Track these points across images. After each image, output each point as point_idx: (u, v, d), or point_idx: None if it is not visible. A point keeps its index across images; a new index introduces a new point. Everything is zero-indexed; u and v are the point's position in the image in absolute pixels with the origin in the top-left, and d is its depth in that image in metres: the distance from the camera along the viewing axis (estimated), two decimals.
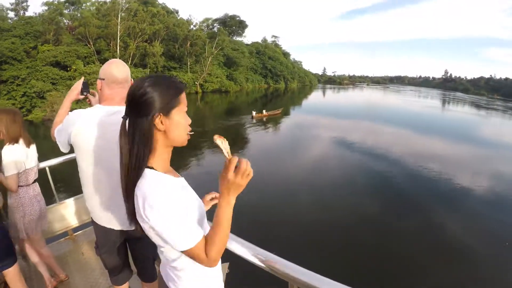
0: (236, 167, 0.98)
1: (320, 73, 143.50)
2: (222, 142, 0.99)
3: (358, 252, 8.18)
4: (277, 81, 76.64)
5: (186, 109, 1.08)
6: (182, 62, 51.14)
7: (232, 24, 76.10)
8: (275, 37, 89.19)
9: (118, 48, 41.42)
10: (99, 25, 40.11)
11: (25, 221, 2.52)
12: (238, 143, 20.96)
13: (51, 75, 33.89)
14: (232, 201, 1.01)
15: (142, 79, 1.02)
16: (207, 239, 1.00)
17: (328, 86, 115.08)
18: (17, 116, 2.44)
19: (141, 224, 1.03)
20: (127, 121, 1.02)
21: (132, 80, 1.69)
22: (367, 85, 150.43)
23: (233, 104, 46.28)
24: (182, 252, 1.00)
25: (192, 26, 54.72)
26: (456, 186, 13.60)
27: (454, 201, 12.10)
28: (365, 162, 16.34)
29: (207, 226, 1.16)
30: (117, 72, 1.72)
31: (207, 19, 58.68)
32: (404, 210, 10.94)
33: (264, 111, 30.58)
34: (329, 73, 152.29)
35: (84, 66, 37.58)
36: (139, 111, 0.99)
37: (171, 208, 0.94)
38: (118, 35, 40.70)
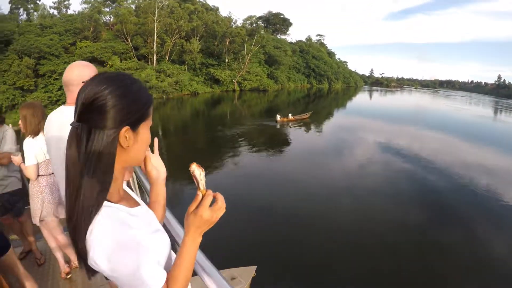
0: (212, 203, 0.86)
1: (367, 75, 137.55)
2: (200, 173, 0.86)
3: (395, 262, 7.96)
4: (320, 81, 73.49)
5: (151, 122, 0.89)
6: (220, 59, 49.95)
7: (276, 22, 75.20)
8: (320, 36, 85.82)
9: (155, 44, 41.39)
10: (136, 22, 40.32)
11: (44, 208, 2.74)
12: (278, 143, 20.67)
13: None
14: (199, 239, 0.88)
15: (102, 77, 0.79)
16: (168, 280, 0.84)
17: (375, 88, 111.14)
18: (36, 110, 2.61)
19: (95, 269, 0.79)
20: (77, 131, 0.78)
21: None
22: (415, 88, 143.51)
23: (273, 103, 44.15)
24: None
25: (232, 23, 53.64)
26: (507, 203, 12.35)
27: (503, 219, 11.11)
28: (409, 169, 15.63)
29: (171, 260, 0.96)
30: (69, 74, 1.75)
31: (250, 17, 56.79)
32: (446, 224, 10.28)
33: (290, 115, 27.22)
34: (376, 74, 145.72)
35: (121, 61, 37.95)
36: (100, 122, 0.76)
37: (133, 256, 0.76)
38: (155, 31, 40.70)
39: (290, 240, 8.64)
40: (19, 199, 3.13)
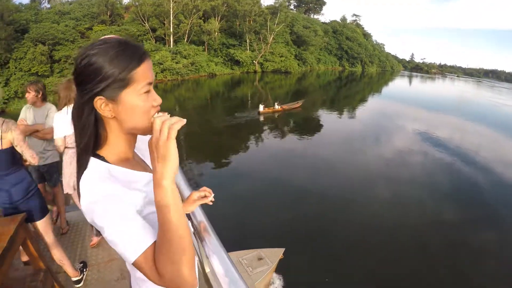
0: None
1: (407, 59, 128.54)
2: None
3: (424, 259, 7.65)
4: (353, 64, 68.87)
5: (147, 86, 0.77)
6: (242, 39, 47.80)
7: (309, 1, 71.16)
8: (356, 16, 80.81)
9: (171, 26, 40.47)
10: (152, 4, 39.67)
11: (73, 178, 2.98)
12: (307, 127, 20.63)
13: None
14: (164, 180, 0.67)
15: (91, 44, 0.75)
16: (156, 250, 0.72)
17: (414, 74, 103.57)
18: (70, 83, 2.80)
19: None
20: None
21: None
22: (457, 76, 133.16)
23: (300, 86, 41.76)
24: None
25: (260, 1, 50.67)
26: None
27: None
28: (448, 162, 15.00)
29: None
30: None
31: None
32: (483, 225, 9.73)
33: (276, 104, 22.62)
34: (417, 59, 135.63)
35: (140, 43, 37.50)
36: (78, 89, 0.76)
37: (113, 208, 0.71)
38: (171, 12, 39.65)
39: (321, 226, 8.59)
40: (56, 170, 3.47)
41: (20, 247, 2.13)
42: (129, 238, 0.69)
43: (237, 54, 45.32)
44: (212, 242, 1.08)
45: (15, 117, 2.94)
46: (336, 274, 6.82)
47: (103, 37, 0.77)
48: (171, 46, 40.44)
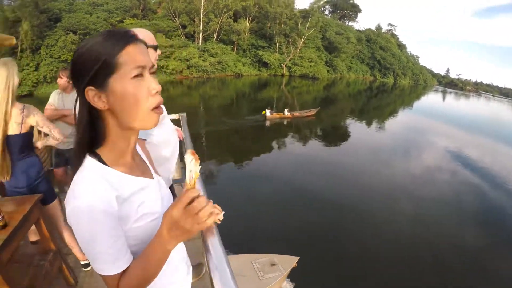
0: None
1: (442, 74, 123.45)
2: (191, 161, 0.73)
3: (442, 281, 7.28)
4: (385, 74, 66.13)
5: (136, 70, 0.73)
6: (272, 41, 47.00)
7: (344, 8, 70.10)
8: (392, 25, 78.60)
9: (201, 23, 40.54)
10: (183, 0, 40.01)
11: None
12: (335, 135, 20.41)
13: None
14: (169, 245, 0.74)
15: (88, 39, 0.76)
16: (125, 270, 0.78)
17: (448, 89, 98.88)
18: None
19: None
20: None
21: None
22: (492, 95, 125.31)
23: (329, 93, 40.46)
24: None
25: (294, 5, 50.04)
26: None
27: None
28: (477, 184, 14.11)
29: None
30: None
31: (318, 0, 53.04)
32: (509, 251, 9.06)
33: (286, 110, 20.90)
34: (452, 75, 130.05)
35: (169, 39, 37.94)
36: (74, 84, 0.76)
37: (95, 223, 0.72)
38: (201, 10, 39.71)
39: (339, 238, 8.44)
40: None
41: (33, 226, 2.20)
42: (102, 259, 0.73)
43: (266, 56, 44.58)
44: (217, 252, 1.08)
45: (42, 100, 2.53)
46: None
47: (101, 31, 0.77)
48: (200, 43, 40.28)
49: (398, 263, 7.65)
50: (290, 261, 5.57)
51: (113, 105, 0.73)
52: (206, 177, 11.68)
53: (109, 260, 0.74)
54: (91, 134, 0.77)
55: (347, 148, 17.37)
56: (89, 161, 0.76)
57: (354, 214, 9.63)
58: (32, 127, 2.26)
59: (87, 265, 2.71)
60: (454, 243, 8.97)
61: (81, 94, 0.73)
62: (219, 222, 1.18)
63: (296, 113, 21.60)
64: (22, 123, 2.15)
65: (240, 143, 16.86)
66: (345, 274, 7.02)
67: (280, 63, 46.04)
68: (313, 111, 22.41)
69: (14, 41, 2.88)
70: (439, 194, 12.26)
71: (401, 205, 10.74)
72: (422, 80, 79.46)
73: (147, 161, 0.98)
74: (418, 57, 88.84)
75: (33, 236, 2.51)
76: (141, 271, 0.77)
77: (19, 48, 30.07)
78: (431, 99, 58.09)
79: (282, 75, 46.60)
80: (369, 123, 24.52)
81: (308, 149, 16.33)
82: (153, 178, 0.92)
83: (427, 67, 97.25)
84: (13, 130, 2.16)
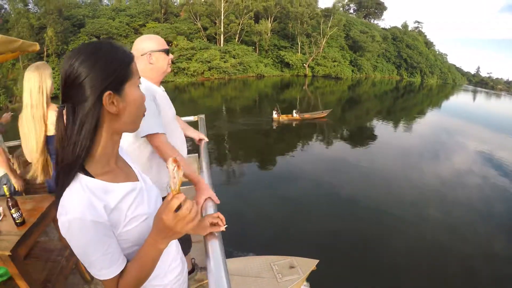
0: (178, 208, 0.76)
1: (472, 72, 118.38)
2: (173, 169, 0.74)
3: None
4: (412, 73, 63.49)
5: (138, 80, 0.85)
6: (294, 41, 46.32)
7: (369, 6, 68.85)
8: (419, 23, 75.62)
9: (222, 25, 40.44)
10: (204, 3, 40.47)
11: None
12: (363, 136, 19.73)
13: None
14: (161, 245, 0.81)
15: (73, 52, 0.78)
16: (123, 272, 0.84)
17: (478, 89, 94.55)
18: None
19: None
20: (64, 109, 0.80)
21: (149, 54, 1.75)
22: None
23: (354, 94, 39.23)
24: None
25: (317, 4, 49.45)
26: None
27: None
28: (510, 189, 13.19)
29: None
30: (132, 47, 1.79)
31: None
32: None
33: (294, 112, 20.00)
34: (483, 73, 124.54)
35: (190, 41, 38.08)
36: (77, 96, 0.76)
37: (87, 235, 0.76)
38: (222, 12, 39.56)
39: (361, 242, 8.09)
40: None
41: None
42: (99, 266, 0.79)
43: (288, 56, 43.89)
44: (215, 256, 1.11)
45: None
46: None
47: (90, 42, 0.81)
48: (221, 45, 40.20)
49: (423, 270, 7.35)
50: (309, 264, 5.40)
51: (122, 110, 0.79)
52: (229, 177, 11.81)
53: (104, 265, 0.79)
54: (90, 144, 0.77)
55: (374, 150, 16.71)
56: (79, 179, 0.78)
57: (379, 219, 9.33)
58: None
59: None
60: (484, 251, 8.55)
61: (91, 103, 0.74)
62: (223, 230, 1.24)
63: (306, 115, 20.57)
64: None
65: (263, 144, 16.62)
66: (365, 280, 6.77)
67: (302, 63, 45.22)
68: (324, 113, 21.20)
69: (38, 47, 2.99)
70: (469, 199, 11.73)
71: (429, 211, 10.32)
72: (451, 79, 75.86)
73: (131, 164, 1.00)
74: (447, 55, 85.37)
75: None
76: (137, 271, 0.83)
77: (45, 54, 30.92)
78: (461, 99, 55.49)
79: (305, 76, 45.78)
80: (396, 125, 23.81)
81: (333, 151, 16.02)
82: (138, 180, 0.94)
83: (457, 66, 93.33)
84: (51, 131, 2.22)
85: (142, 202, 0.89)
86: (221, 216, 1.27)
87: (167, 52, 1.78)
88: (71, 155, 0.75)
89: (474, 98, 62.05)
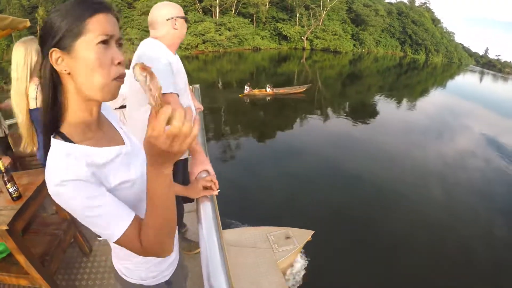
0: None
1: (480, 53, 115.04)
2: (147, 79, 0.58)
3: (467, 272, 6.87)
4: (416, 50, 61.71)
5: (102, 37, 0.73)
6: (293, 14, 44.90)
7: None
8: None
9: None
10: None
11: None
12: (365, 112, 19.41)
13: (145, 23, 35.73)
14: (165, 170, 0.68)
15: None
16: (141, 224, 0.78)
17: (485, 70, 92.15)
18: None
19: None
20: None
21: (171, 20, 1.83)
22: None
23: (355, 68, 38.21)
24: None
25: None
26: None
27: None
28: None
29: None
30: (154, 13, 1.85)
31: None
32: None
33: (268, 87, 18.79)
34: (491, 55, 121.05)
35: (185, 13, 37.40)
36: (42, 52, 0.76)
37: (81, 193, 0.72)
38: None
39: (358, 215, 8.02)
40: None
41: None
42: (105, 222, 0.73)
43: (285, 29, 42.73)
44: (208, 222, 1.07)
45: None
46: (364, 269, 6.34)
47: None
48: (217, 17, 39.23)
49: (422, 248, 7.24)
50: (304, 235, 5.53)
51: (74, 70, 0.72)
52: (226, 150, 11.71)
53: (111, 220, 0.74)
54: (54, 106, 0.75)
55: (375, 126, 16.55)
56: (54, 143, 0.75)
57: (379, 194, 9.23)
58: None
59: None
60: (483, 233, 8.48)
61: (45, 60, 0.73)
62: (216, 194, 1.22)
63: (282, 90, 19.50)
64: (36, 98, 2.24)
65: (262, 117, 16.54)
66: (361, 252, 6.71)
67: (300, 36, 44.07)
68: (302, 88, 20.02)
69: (28, 23, 3.12)
70: (471, 181, 11.62)
71: (431, 189, 10.20)
72: (457, 58, 73.54)
73: (117, 127, 0.95)
74: (454, 34, 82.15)
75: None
76: (153, 217, 0.73)
77: (38, 33, 30.61)
78: (467, 80, 53.68)
79: (303, 49, 44.68)
80: (399, 102, 23.29)
81: (333, 125, 15.92)
82: (124, 144, 0.90)
83: (464, 46, 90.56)
84: (31, 104, 2.26)
85: (129, 166, 0.85)
86: (215, 180, 1.22)
87: (186, 20, 1.90)
88: (43, 117, 0.75)
89: (481, 80, 59.92)
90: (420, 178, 10.73)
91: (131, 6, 37.02)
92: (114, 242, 0.75)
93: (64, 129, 0.77)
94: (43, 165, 2.35)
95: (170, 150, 0.60)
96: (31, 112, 2.24)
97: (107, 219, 0.73)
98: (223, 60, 33.56)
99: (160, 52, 1.78)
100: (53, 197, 0.71)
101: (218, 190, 1.20)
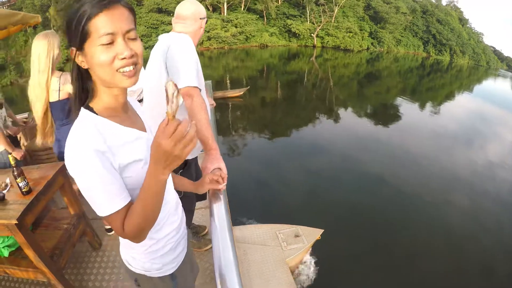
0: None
1: None
2: (174, 93, 0.72)
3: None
4: (440, 51, 57.99)
5: (106, 38, 0.78)
6: (305, 10, 43.27)
7: None
8: None
9: None
10: None
11: None
12: (388, 115, 19.03)
13: (152, 20, 35.47)
14: (162, 175, 0.77)
15: None
16: (128, 211, 0.87)
17: None
18: None
19: None
20: None
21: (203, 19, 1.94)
22: None
23: (373, 69, 36.25)
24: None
25: None
26: None
27: None
28: None
29: None
30: (187, 9, 1.88)
31: None
32: None
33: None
34: None
35: None
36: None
37: (92, 165, 0.80)
38: None
39: (377, 218, 7.81)
40: None
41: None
42: (100, 199, 0.81)
43: (295, 25, 41.13)
44: (220, 218, 1.11)
45: None
46: (375, 274, 5.98)
47: None
48: (225, 13, 38.65)
49: (438, 258, 6.92)
50: (314, 234, 5.45)
51: (90, 66, 0.81)
52: (236, 147, 11.68)
53: (106, 199, 0.81)
54: (82, 88, 0.87)
55: (398, 129, 16.06)
56: (83, 112, 0.85)
57: (398, 198, 8.93)
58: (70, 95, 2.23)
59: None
60: (509, 251, 7.83)
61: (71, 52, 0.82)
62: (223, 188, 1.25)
63: (218, 93, 17.70)
64: (59, 90, 2.27)
65: (272, 116, 16.37)
66: (372, 254, 6.46)
67: (310, 33, 42.34)
68: (238, 92, 18.27)
69: (40, 19, 3.36)
70: (499, 193, 10.81)
71: (456, 197, 9.70)
72: (484, 61, 68.45)
73: (141, 117, 1.05)
74: (483, 35, 77.35)
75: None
76: (141, 208, 0.82)
77: (52, 29, 30.76)
78: (498, 85, 49.21)
79: (314, 46, 42.92)
80: (422, 105, 22.11)
81: (350, 125, 15.62)
82: (145, 131, 0.99)
83: (496, 48, 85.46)
84: (53, 97, 2.31)
85: (143, 150, 0.91)
86: (223, 174, 1.26)
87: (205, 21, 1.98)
88: (74, 93, 0.87)
89: None
90: (446, 185, 10.23)
91: (140, 4, 37.10)
92: (100, 215, 0.83)
93: (92, 103, 0.87)
94: (59, 158, 2.46)
95: (172, 152, 0.69)
96: (51, 104, 2.30)
97: (103, 199, 0.80)
98: (228, 57, 32.78)
99: (192, 46, 1.76)
100: (67, 166, 0.78)
101: (225, 184, 1.22)
